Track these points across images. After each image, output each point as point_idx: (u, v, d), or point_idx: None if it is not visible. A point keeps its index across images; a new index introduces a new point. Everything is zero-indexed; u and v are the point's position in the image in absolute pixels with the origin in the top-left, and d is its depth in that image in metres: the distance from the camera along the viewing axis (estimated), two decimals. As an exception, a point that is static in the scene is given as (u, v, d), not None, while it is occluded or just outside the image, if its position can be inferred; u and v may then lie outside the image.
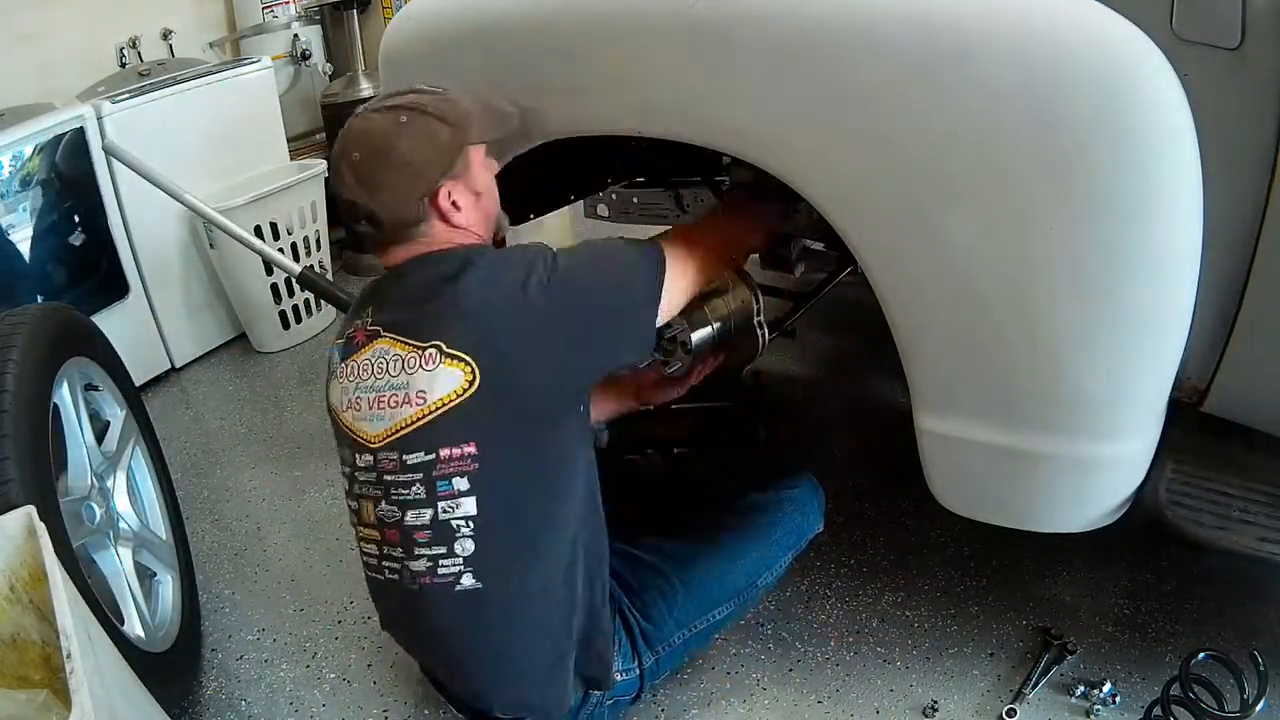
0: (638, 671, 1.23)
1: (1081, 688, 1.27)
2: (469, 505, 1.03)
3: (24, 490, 1.11)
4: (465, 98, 1.13)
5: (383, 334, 1.07)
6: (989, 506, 1.15)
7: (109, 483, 1.51)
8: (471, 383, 1.00)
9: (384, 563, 1.10)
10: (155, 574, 1.55)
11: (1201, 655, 1.15)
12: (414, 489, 1.04)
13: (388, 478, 1.05)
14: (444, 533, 1.04)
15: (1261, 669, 1.11)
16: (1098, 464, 1.04)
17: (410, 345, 1.04)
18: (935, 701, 1.29)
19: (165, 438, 1.90)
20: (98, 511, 1.38)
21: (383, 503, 1.07)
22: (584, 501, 1.13)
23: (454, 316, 1.03)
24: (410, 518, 1.05)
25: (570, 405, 1.10)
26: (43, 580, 0.92)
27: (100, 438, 1.53)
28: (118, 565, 1.40)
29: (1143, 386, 0.99)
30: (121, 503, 1.53)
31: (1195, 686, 1.13)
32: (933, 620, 1.44)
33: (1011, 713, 1.25)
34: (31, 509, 0.98)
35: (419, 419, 1.02)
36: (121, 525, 1.49)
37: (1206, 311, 0.98)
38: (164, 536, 1.63)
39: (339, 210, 1.11)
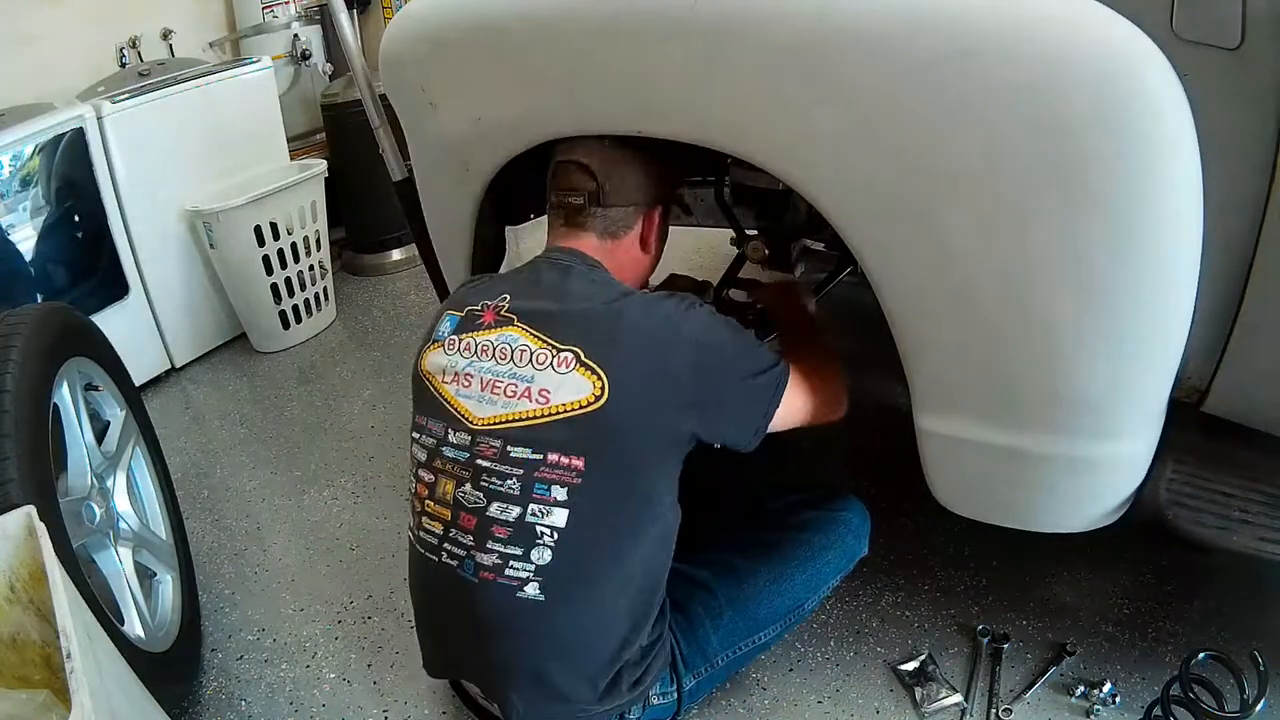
0: (675, 695, 1.19)
1: (1081, 688, 1.27)
2: (559, 516, 1.02)
3: (24, 490, 1.11)
4: None
5: (517, 322, 1.08)
6: (989, 506, 1.15)
7: (109, 483, 1.51)
8: (599, 398, 1.01)
9: (446, 545, 1.09)
10: (155, 574, 1.55)
11: (1201, 655, 1.15)
12: (509, 482, 1.03)
13: (482, 463, 1.05)
14: (525, 535, 1.03)
15: (1261, 669, 1.11)
16: (1098, 464, 1.04)
17: (545, 342, 1.05)
18: (935, 701, 1.29)
19: (165, 438, 1.90)
20: (98, 511, 1.38)
21: (468, 485, 1.06)
22: (659, 542, 1.12)
23: (601, 328, 1.05)
24: (495, 509, 1.04)
25: (673, 454, 1.09)
26: (43, 580, 0.92)
27: (100, 438, 1.53)
28: (118, 565, 1.40)
29: (1143, 387, 0.99)
30: (121, 503, 1.53)
31: (1195, 686, 1.13)
32: (933, 620, 1.44)
33: (1008, 712, 1.25)
34: (31, 509, 0.98)
35: (535, 416, 1.03)
36: (121, 525, 1.49)
37: (1206, 311, 0.98)
38: (164, 536, 1.63)
39: (555, 172, 1.20)
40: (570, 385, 1.02)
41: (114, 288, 2.45)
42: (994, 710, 1.26)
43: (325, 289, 2.88)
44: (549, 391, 1.03)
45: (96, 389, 1.57)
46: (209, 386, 2.61)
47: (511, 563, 1.04)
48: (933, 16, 0.90)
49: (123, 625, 1.33)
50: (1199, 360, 1.03)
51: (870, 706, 1.31)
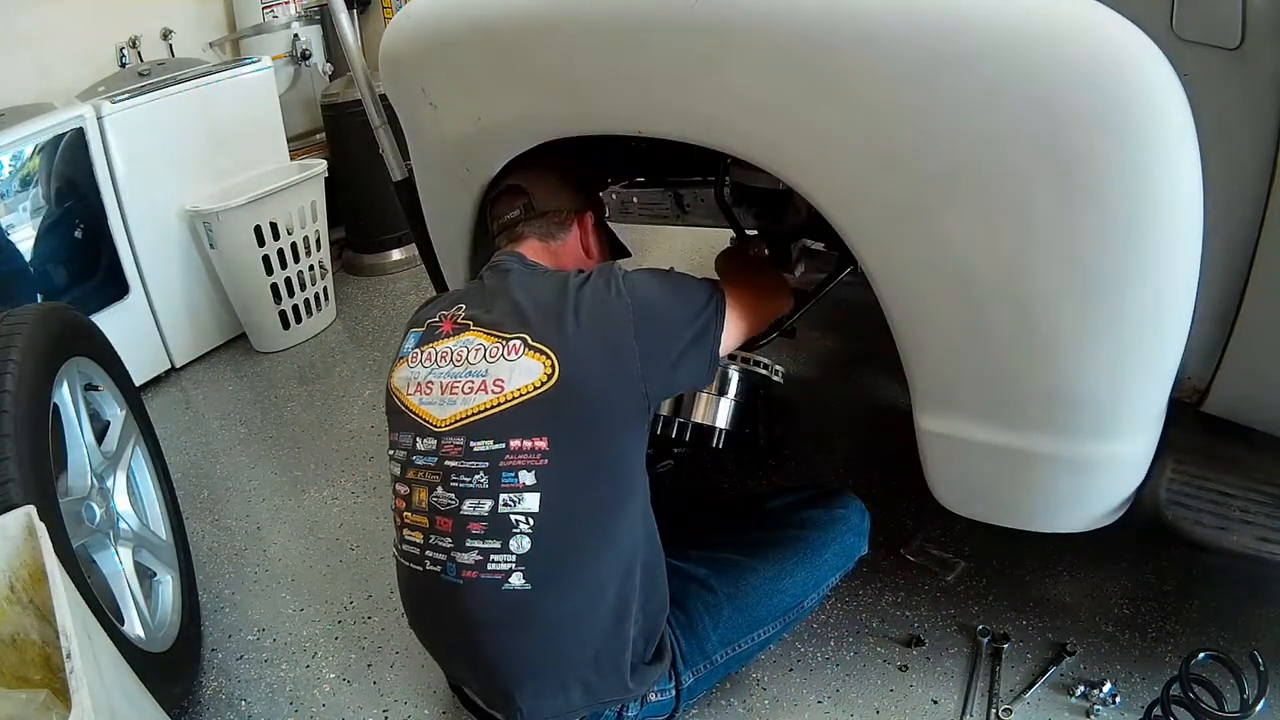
0: (674, 692, 1.19)
1: (1081, 688, 1.27)
2: (531, 501, 1.03)
3: (24, 490, 1.11)
4: None
5: (473, 327, 1.11)
6: (989, 506, 1.15)
7: (109, 483, 1.51)
8: (550, 376, 1.03)
9: (427, 552, 1.09)
10: (155, 574, 1.55)
11: (1201, 655, 1.15)
12: (476, 477, 1.04)
13: (449, 463, 1.06)
14: (501, 526, 1.03)
15: (1261, 669, 1.11)
16: (1098, 464, 1.04)
17: (495, 336, 1.08)
18: (935, 701, 1.29)
19: (165, 438, 1.90)
20: (98, 511, 1.38)
21: (439, 488, 1.06)
22: (640, 518, 1.12)
23: (543, 311, 1.08)
24: (468, 507, 1.04)
25: (635, 419, 1.09)
26: (43, 580, 0.92)
27: (100, 438, 1.53)
28: (118, 565, 1.40)
29: (1143, 386, 0.99)
30: (121, 503, 1.53)
31: (1195, 686, 1.13)
32: (933, 620, 1.44)
33: (1008, 712, 1.25)
34: (31, 509, 0.98)
35: (492, 406, 1.04)
36: (121, 525, 1.49)
37: (1206, 311, 0.98)
38: (164, 536, 1.63)
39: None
40: (522, 370, 1.04)
41: (114, 288, 2.45)
42: (994, 710, 1.26)
43: (325, 289, 2.88)
44: (503, 380, 1.04)
45: (96, 389, 1.57)
46: (209, 386, 2.61)
47: (492, 557, 1.04)
48: (933, 16, 0.90)
49: (123, 625, 1.33)
50: (1199, 360, 1.03)
51: (870, 706, 1.31)
